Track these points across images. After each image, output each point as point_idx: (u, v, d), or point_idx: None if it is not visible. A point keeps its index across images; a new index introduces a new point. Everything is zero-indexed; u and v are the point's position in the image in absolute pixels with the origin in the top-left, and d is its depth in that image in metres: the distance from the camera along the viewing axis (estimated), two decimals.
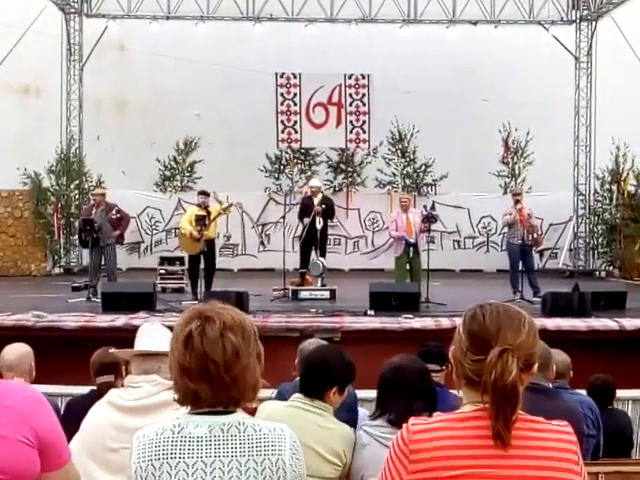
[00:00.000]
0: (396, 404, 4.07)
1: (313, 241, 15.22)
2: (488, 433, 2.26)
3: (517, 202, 14.81)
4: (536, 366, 2.34)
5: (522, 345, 2.28)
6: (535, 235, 14.71)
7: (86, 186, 21.25)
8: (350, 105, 21.76)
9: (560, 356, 5.78)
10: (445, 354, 5.52)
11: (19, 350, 5.50)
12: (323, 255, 15.41)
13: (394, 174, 22.50)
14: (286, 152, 22.62)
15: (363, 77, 21.65)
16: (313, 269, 15.15)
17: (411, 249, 14.71)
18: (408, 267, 14.91)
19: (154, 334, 3.76)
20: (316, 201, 15.33)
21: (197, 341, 2.40)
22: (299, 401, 4.16)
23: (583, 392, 6.37)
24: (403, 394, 4.10)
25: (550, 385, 5.02)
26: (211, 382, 2.39)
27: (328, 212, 15.48)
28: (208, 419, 2.41)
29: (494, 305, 2.40)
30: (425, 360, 4.95)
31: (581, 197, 22.24)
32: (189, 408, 2.47)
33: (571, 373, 6.04)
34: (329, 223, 16.12)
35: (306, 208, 15.43)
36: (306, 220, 15.26)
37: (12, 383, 2.87)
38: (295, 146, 22.13)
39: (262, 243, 21.98)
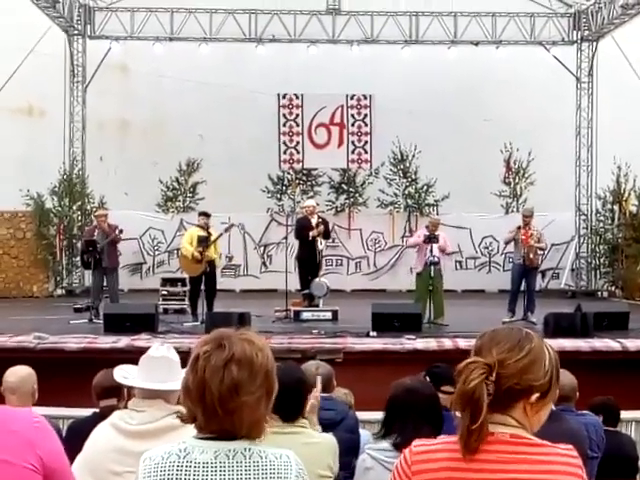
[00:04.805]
0: (404, 426, 4.06)
1: (314, 262, 15.20)
2: (497, 457, 2.26)
3: (526, 223, 14.80)
4: (535, 396, 2.31)
5: (508, 365, 2.28)
6: (531, 255, 14.67)
7: (89, 207, 21.27)
8: (352, 125, 21.85)
9: (566, 378, 5.67)
10: None
11: (22, 372, 5.50)
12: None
13: (396, 194, 22.49)
14: (288, 173, 22.64)
15: (365, 97, 21.74)
16: (317, 290, 15.11)
17: (432, 267, 14.39)
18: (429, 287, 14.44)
19: (157, 367, 3.70)
20: (313, 221, 15.32)
21: (201, 366, 2.38)
22: (276, 427, 3.80)
23: (590, 413, 6.32)
24: (412, 417, 4.08)
25: (552, 407, 4.98)
26: (205, 410, 2.37)
27: (326, 233, 15.50)
28: (214, 444, 2.39)
29: (508, 327, 2.43)
30: (436, 382, 4.89)
31: (583, 217, 22.25)
32: (195, 432, 2.44)
33: (577, 394, 6.00)
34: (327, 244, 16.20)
35: (304, 228, 15.38)
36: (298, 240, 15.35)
37: (18, 409, 2.87)
38: (297, 167, 22.16)
39: (264, 264, 21.97)
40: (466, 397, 2.24)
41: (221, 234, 14.96)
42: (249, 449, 2.40)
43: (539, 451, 2.28)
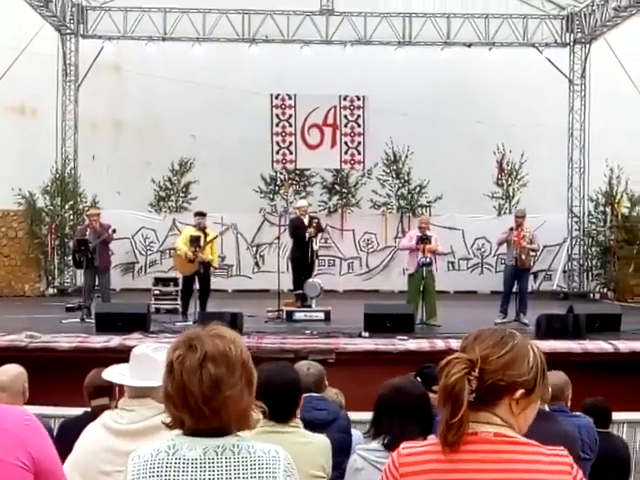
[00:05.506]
0: (391, 426, 4.05)
1: (308, 263, 15.20)
2: (481, 457, 2.25)
3: (518, 225, 14.79)
4: (520, 392, 2.30)
5: (491, 361, 2.28)
6: (523, 257, 14.66)
7: (81, 206, 21.21)
8: (345, 126, 21.83)
9: (556, 378, 5.70)
10: None
11: (12, 371, 5.47)
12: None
13: (388, 195, 22.50)
14: (281, 173, 22.63)
15: (358, 98, 21.73)
16: (310, 290, 15.11)
17: (424, 269, 14.37)
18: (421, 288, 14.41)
19: (138, 365, 3.66)
20: (306, 221, 15.33)
21: (177, 370, 2.38)
22: (268, 426, 3.92)
23: (583, 415, 6.32)
24: (400, 416, 4.07)
25: (546, 407, 4.99)
26: (191, 412, 2.37)
27: (319, 227, 15.50)
28: (202, 441, 2.39)
29: (493, 328, 2.45)
30: (427, 382, 4.89)
31: (575, 219, 22.28)
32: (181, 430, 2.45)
33: (569, 394, 6.00)
34: (321, 239, 16.29)
35: (298, 228, 15.39)
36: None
37: (10, 407, 2.86)
38: (290, 167, 22.15)
39: (257, 264, 21.96)
40: (447, 391, 2.26)
41: (216, 236, 14.95)
42: (237, 445, 2.41)
43: (523, 450, 2.28)
